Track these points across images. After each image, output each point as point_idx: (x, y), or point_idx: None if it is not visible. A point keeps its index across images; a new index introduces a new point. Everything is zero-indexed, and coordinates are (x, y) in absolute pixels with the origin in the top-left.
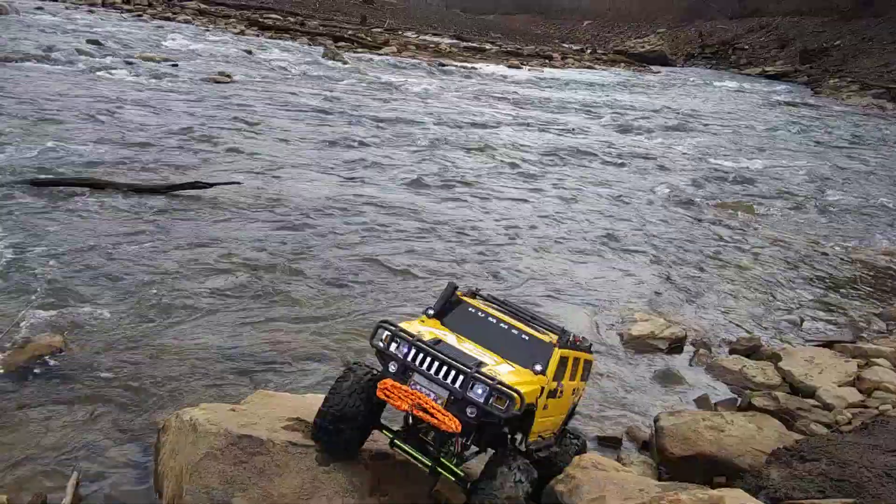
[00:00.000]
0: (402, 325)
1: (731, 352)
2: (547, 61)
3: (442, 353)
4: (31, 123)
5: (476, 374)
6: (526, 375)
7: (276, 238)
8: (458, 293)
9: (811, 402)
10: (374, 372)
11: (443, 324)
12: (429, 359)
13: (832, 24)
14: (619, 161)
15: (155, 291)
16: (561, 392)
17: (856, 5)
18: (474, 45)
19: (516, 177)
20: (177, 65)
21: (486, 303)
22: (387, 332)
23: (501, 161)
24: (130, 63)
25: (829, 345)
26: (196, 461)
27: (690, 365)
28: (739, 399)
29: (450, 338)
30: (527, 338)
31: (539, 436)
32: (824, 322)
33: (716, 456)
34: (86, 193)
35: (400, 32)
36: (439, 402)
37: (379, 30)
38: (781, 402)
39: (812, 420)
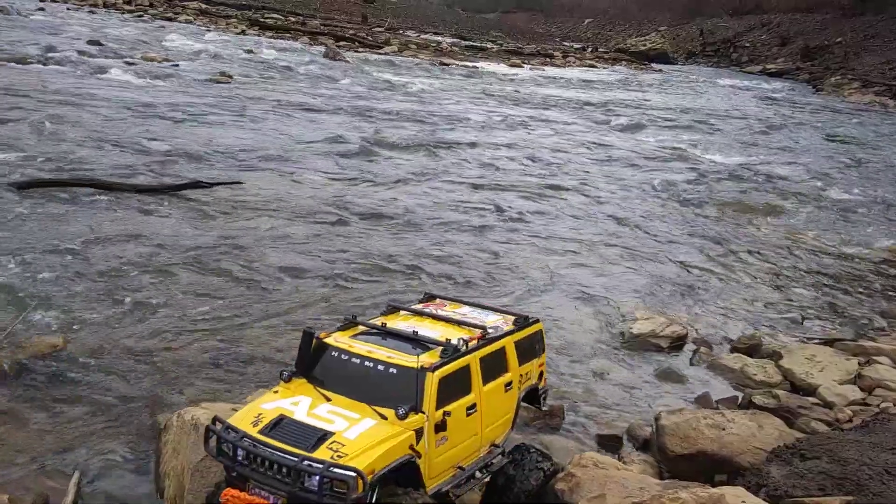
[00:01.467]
0: (241, 412)
1: (732, 350)
2: (548, 60)
3: (270, 445)
4: (33, 124)
5: (301, 466)
6: (389, 428)
7: (277, 236)
8: (321, 335)
9: (812, 400)
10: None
11: (310, 379)
12: (259, 457)
13: (834, 21)
14: (621, 159)
15: (155, 291)
16: (473, 407)
17: (857, 2)
18: (475, 44)
19: (517, 174)
20: (178, 65)
21: (368, 326)
22: (214, 435)
23: (502, 159)
24: (132, 64)
25: (830, 343)
26: (198, 461)
27: (691, 363)
28: (740, 397)
29: (302, 405)
30: (394, 371)
31: (458, 467)
32: (825, 320)
33: (717, 454)
34: (87, 194)
35: (401, 32)
36: (280, 503)
37: (380, 29)
38: (782, 400)
39: (813, 418)
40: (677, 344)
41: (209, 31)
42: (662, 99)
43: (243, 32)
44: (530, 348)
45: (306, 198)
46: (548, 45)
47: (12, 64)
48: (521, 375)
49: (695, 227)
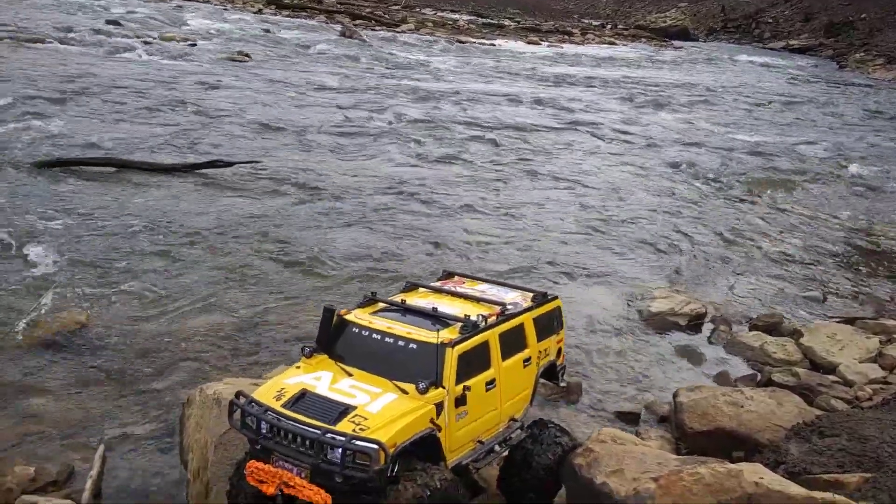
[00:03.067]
0: (264, 387)
1: (752, 328)
2: (566, 37)
3: (293, 419)
4: (52, 104)
5: (324, 439)
6: (410, 402)
7: (298, 214)
8: (342, 312)
9: (832, 378)
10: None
11: (331, 354)
12: (281, 430)
13: None
14: (642, 137)
15: (177, 268)
16: (492, 382)
17: None
18: (492, 21)
19: (536, 154)
20: (195, 44)
21: (388, 304)
22: (238, 409)
23: (520, 138)
24: (149, 43)
25: (850, 321)
26: (221, 434)
27: (710, 341)
28: (759, 375)
29: (323, 380)
30: (414, 346)
31: (477, 441)
32: (846, 298)
33: (735, 431)
34: (107, 173)
35: (417, 9)
36: (303, 475)
37: (397, 7)
38: (802, 378)
39: (832, 396)
40: (696, 322)
41: (226, 9)
42: (683, 76)
43: (260, 11)
44: (549, 325)
45: (324, 176)
46: (566, 22)
47: (31, 44)
48: (539, 351)
49: (714, 205)
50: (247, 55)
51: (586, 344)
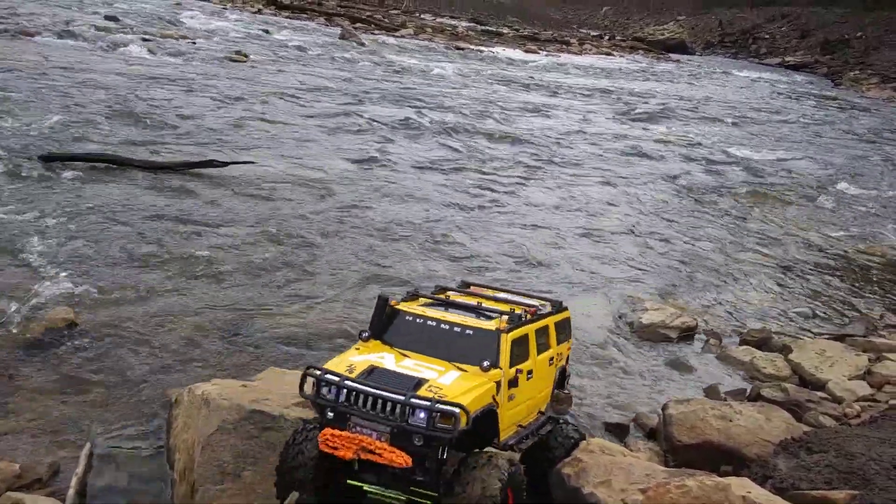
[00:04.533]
0: (332, 363)
1: (742, 342)
2: (564, 46)
3: (373, 386)
4: (48, 99)
5: (411, 401)
6: (475, 378)
7: (288, 216)
8: (392, 302)
9: (820, 394)
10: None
11: (384, 342)
12: (361, 396)
13: (854, 14)
14: (635, 149)
15: (166, 268)
16: (531, 373)
17: None
18: (491, 28)
19: (529, 163)
20: (195, 42)
21: (431, 299)
22: (313, 380)
23: (515, 147)
24: (148, 40)
25: (840, 338)
26: (208, 434)
27: (700, 354)
28: (749, 390)
29: (388, 359)
30: (470, 332)
31: (518, 425)
32: (836, 315)
33: (723, 445)
34: (103, 170)
35: (417, 14)
36: (383, 439)
37: (396, 12)
38: (791, 393)
39: (821, 412)
40: (687, 335)
41: (225, 9)
42: (679, 89)
43: (259, 11)
44: (564, 331)
45: (319, 178)
46: (564, 32)
47: (29, 38)
48: (557, 354)
49: (707, 218)
50: (245, 55)
51: (576, 355)
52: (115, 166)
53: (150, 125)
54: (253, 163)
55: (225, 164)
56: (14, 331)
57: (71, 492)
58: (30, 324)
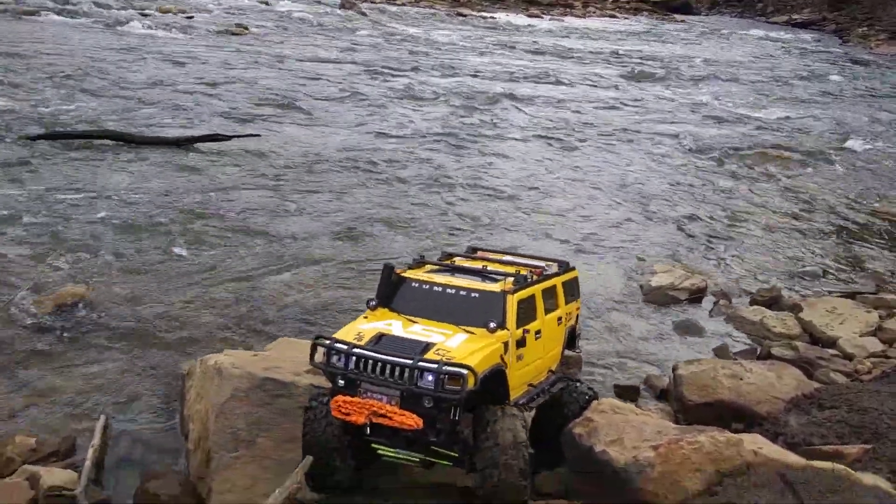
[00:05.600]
0: (341, 332)
1: (752, 302)
2: (568, 10)
3: (381, 352)
4: (50, 76)
5: (418, 364)
6: (482, 339)
7: (293, 188)
8: (398, 271)
9: (831, 351)
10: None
11: (391, 309)
12: (371, 363)
13: None
14: (643, 111)
15: (175, 242)
16: (539, 332)
17: None
18: None
19: (535, 128)
20: (193, 17)
21: (437, 265)
22: (322, 349)
23: (520, 113)
24: (147, 15)
25: (850, 296)
26: (221, 403)
27: (710, 315)
28: (759, 349)
29: (395, 326)
30: (476, 295)
31: (529, 384)
32: (847, 273)
33: (734, 403)
34: (103, 146)
35: None
36: (393, 402)
37: None
38: (801, 351)
39: (832, 369)
40: (696, 296)
41: None
42: (685, 50)
43: None
44: (571, 291)
45: (324, 150)
46: None
47: (27, 16)
48: (566, 314)
49: (716, 179)
50: (245, 28)
51: (586, 318)
52: (117, 143)
53: (152, 100)
54: (257, 135)
55: (228, 137)
56: (27, 306)
57: (87, 463)
58: (43, 300)
